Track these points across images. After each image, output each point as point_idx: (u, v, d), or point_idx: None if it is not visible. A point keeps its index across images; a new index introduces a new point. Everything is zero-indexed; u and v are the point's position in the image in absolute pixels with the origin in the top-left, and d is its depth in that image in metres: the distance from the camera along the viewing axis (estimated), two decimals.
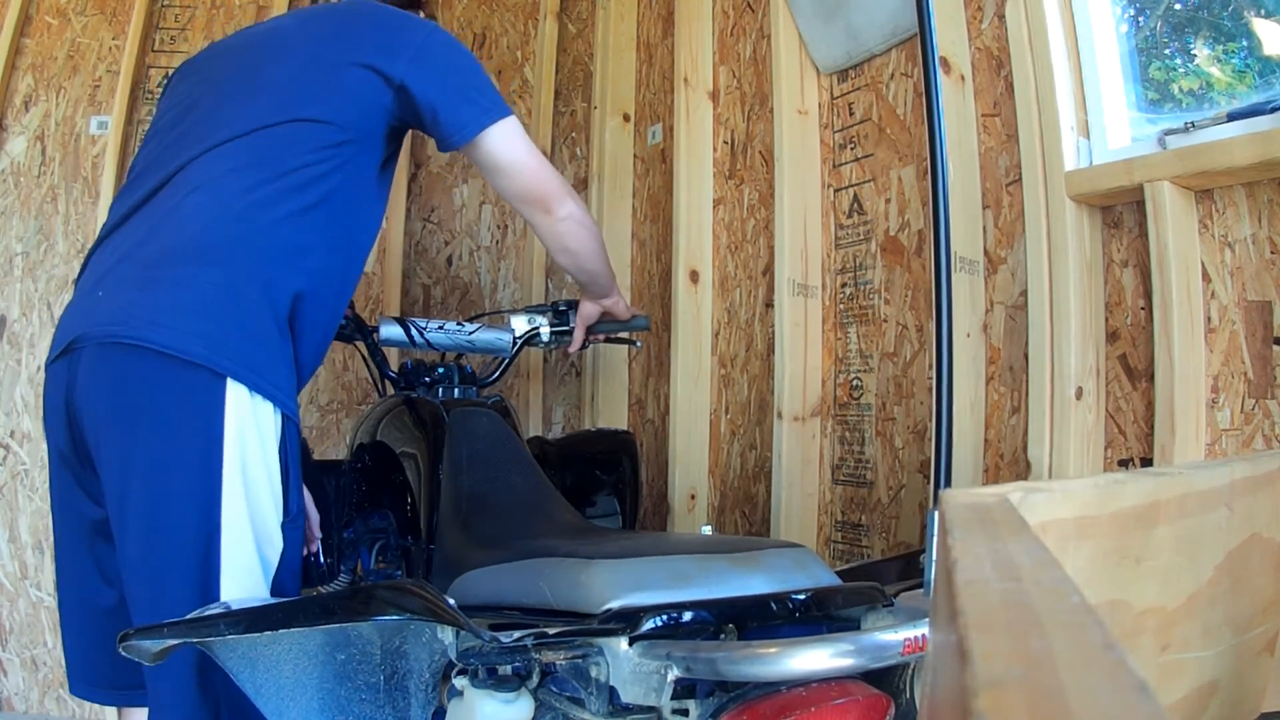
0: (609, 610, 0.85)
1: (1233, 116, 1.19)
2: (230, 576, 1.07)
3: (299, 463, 1.20)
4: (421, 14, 1.53)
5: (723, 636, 0.85)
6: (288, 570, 1.15)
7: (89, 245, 1.29)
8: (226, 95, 1.24)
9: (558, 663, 0.84)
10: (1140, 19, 1.43)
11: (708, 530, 1.20)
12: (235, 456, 1.09)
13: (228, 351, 1.09)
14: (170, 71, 1.48)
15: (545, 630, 0.82)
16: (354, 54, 1.24)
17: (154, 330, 1.07)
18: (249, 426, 1.10)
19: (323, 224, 1.21)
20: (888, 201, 1.75)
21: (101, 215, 2.22)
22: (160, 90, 1.44)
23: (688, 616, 0.85)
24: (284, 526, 1.15)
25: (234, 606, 0.85)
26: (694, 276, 2.18)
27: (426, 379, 1.71)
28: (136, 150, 1.38)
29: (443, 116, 1.27)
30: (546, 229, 1.42)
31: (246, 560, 1.09)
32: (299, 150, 1.19)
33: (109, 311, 1.10)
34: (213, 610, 0.83)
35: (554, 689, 0.89)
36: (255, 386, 1.10)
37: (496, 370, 1.79)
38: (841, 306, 1.87)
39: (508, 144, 1.32)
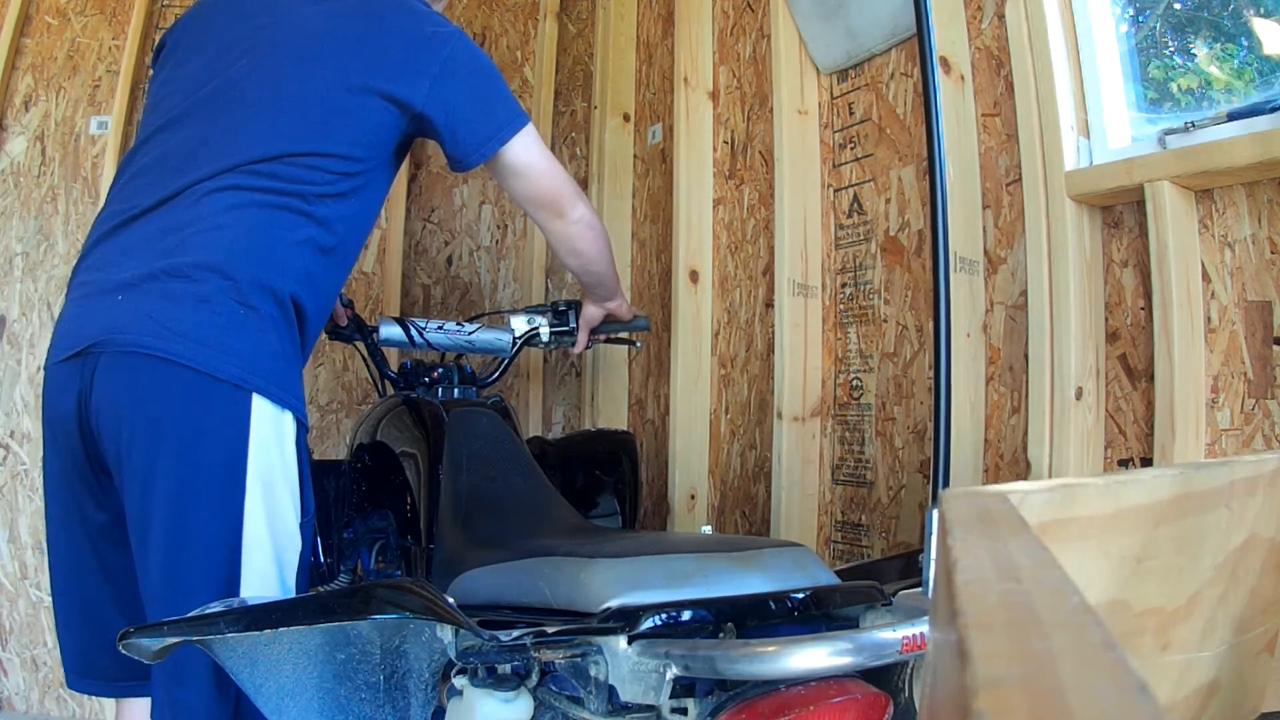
0: (608, 609, 0.86)
1: (1232, 116, 1.19)
2: (249, 587, 1.10)
3: (308, 462, 1.24)
4: None
5: (721, 635, 0.85)
6: (304, 567, 1.20)
7: None
8: (247, 104, 1.22)
9: (557, 661, 0.84)
10: (1140, 19, 1.43)
11: (707, 530, 1.20)
12: (258, 469, 1.12)
13: (256, 368, 1.13)
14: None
15: (544, 629, 0.82)
16: (377, 78, 1.24)
17: (184, 344, 1.09)
18: (271, 437, 1.14)
19: (333, 247, 1.26)
20: (888, 201, 1.75)
21: None
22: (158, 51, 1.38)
23: (687, 615, 0.85)
24: (302, 526, 1.18)
25: (235, 604, 0.85)
26: (694, 276, 2.18)
27: (426, 379, 1.71)
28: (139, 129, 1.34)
29: (462, 136, 1.31)
30: (557, 232, 1.44)
31: (266, 568, 1.12)
32: (320, 181, 1.22)
33: (133, 320, 1.10)
34: (213, 609, 0.83)
35: (553, 688, 0.89)
36: (280, 401, 1.15)
37: (496, 370, 1.79)
38: (841, 306, 1.87)
39: (524, 150, 1.35)
